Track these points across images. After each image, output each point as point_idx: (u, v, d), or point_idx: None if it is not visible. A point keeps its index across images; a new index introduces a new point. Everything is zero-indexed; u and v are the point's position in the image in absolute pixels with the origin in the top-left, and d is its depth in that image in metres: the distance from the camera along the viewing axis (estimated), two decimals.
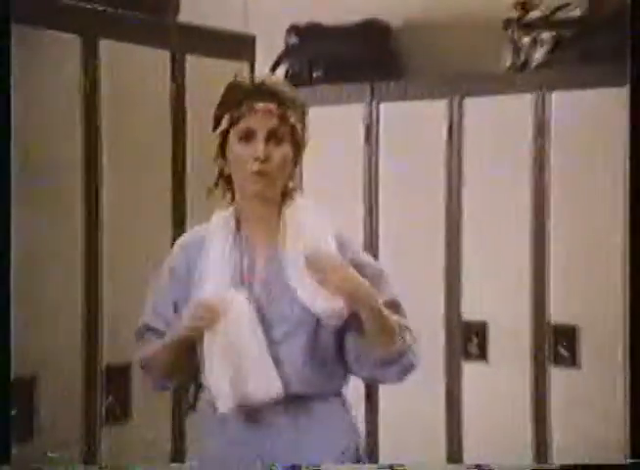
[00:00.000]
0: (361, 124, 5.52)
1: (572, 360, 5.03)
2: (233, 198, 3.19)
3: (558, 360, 5.06)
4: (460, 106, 5.31)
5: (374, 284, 3.10)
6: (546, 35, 5.19)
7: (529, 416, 5.20)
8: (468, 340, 5.34)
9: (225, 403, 3.09)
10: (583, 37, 5.12)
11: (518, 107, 5.12)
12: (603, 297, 4.98)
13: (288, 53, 5.76)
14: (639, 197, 2.95)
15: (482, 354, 5.29)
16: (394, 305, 3.14)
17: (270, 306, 3.12)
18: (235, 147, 3.07)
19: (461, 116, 5.31)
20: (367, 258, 3.25)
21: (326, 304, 2.98)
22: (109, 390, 3.91)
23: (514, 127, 5.17)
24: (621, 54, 4.86)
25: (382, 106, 5.49)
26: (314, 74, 5.70)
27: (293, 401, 3.10)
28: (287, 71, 5.75)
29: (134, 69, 4.12)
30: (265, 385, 3.09)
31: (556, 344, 5.06)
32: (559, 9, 5.18)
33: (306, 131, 3.18)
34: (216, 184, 3.19)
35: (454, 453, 5.48)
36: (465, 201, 5.31)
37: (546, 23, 5.21)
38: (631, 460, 2.90)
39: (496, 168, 5.26)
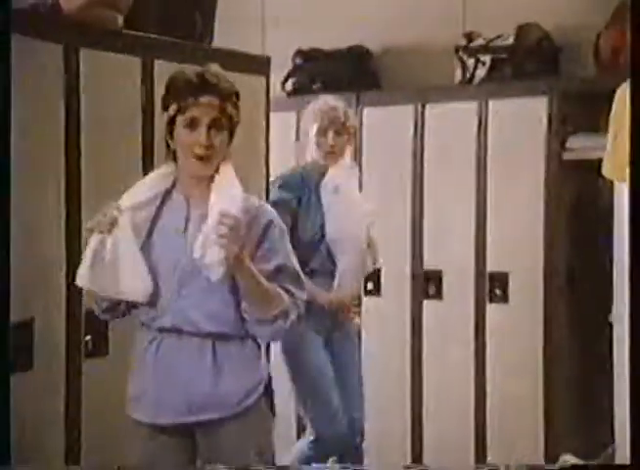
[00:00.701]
0: None
1: (504, 298, 5.23)
2: (176, 163, 3.08)
3: (493, 299, 5.25)
4: (422, 110, 5.39)
5: (270, 247, 3.03)
6: (486, 58, 5.27)
7: (472, 338, 5.32)
8: (427, 284, 5.47)
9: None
10: (513, 60, 5.21)
11: (465, 111, 5.24)
12: (526, 253, 5.17)
13: (294, 70, 5.79)
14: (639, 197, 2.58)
15: (439, 295, 5.44)
16: (283, 271, 3.03)
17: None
18: (181, 132, 2.99)
19: (423, 117, 5.39)
20: (273, 224, 3.09)
21: (208, 259, 2.88)
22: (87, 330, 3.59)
23: (462, 126, 5.29)
24: (542, 72, 5.11)
25: (365, 110, 5.53)
26: (314, 86, 5.70)
27: (207, 338, 3.01)
28: (293, 84, 5.77)
29: None
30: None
31: (492, 286, 5.26)
32: (495, 39, 5.27)
33: (239, 114, 3.07)
34: (166, 156, 3.10)
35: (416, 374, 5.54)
36: (426, 181, 5.39)
37: (486, 48, 5.28)
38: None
39: (449, 156, 5.36)
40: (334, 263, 4.58)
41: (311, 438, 4.61)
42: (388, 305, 5.65)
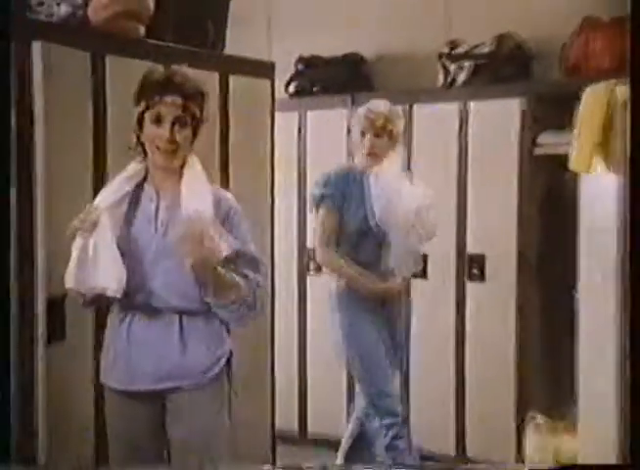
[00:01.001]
0: (344, 122, 5.44)
1: (482, 277, 5.28)
2: (145, 156, 3.06)
3: (472, 278, 5.31)
4: (410, 110, 5.37)
5: (230, 233, 2.95)
6: (467, 64, 5.28)
7: (453, 312, 5.39)
8: None
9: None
10: (491, 65, 5.22)
11: (448, 111, 5.26)
12: (500, 238, 5.23)
13: (296, 75, 5.78)
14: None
15: (424, 274, 5.41)
16: (240, 256, 2.98)
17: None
18: (148, 127, 2.96)
19: (411, 116, 5.37)
20: (233, 210, 3.05)
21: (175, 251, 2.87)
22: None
23: (446, 124, 5.30)
24: (516, 76, 5.15)
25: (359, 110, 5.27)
26: (314, 89, 5.73)
27: (175, 313, 3.00)
28: (296, 87, 5.76)
29: None
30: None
31: (470, 267, 5.31)
32: (475, 47, 5.27)
33: (206, 112, 3.05)
34: (136, 146, 3.06)
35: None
36: (414, 172, 5.12)
37: (467, 55, 5.29)
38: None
39: (434, 150, 5.37)
40: (382, 252, 4.54)
41: (364, 411, 4.58)
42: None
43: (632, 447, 2.34)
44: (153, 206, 3.07)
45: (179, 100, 2.95)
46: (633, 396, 2.38)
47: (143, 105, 2.97)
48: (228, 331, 3.13)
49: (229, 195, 3.14)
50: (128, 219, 3.06)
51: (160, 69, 3.07)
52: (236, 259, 2.97)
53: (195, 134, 3.02)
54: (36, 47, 3.30)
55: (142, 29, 3.83)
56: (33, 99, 3.31)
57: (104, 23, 3.66)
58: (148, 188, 3.09)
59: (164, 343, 3.03)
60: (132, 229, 3.06)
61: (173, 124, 2.95)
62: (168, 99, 2.94)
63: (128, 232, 3.05)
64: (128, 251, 3.03)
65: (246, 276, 2.97)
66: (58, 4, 3.51)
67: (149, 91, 2.97)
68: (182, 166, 3.04)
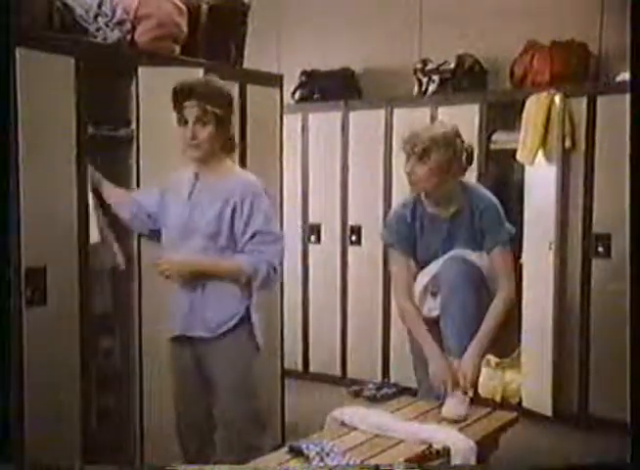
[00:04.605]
0: (339, 123, 5.54)
1: None
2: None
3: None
4: (391, 114, 5.34)
5: (261, 214, 2.89)
6: (435, 77, 5.25)
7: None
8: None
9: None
10: (454, 79, 5.20)
11: (421, 115, 5.15)
12: None
13: (300, 85, 5.73)
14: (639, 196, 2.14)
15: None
16: (266, 233, 2.90)
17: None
18: (178, 129, 2.92)
19: (392, 119, 5.34)
20: (260, 195, 2.94)
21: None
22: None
23: (419, 124, 5.27)
24: (474, 88, 5.09)
25: (350, 113, 5.50)
26: (314, 96, 5.69)
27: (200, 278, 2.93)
28: (300, 94, 5.71)
29: None
30: None
31: None
32: (442, 64, 5.24)
33: (225, 111, 2.93)
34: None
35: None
36: (394, 165, 5.23)
37: (435, 71, 5.26)
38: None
39: None
40: None
41: None
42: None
43: (632, 447, 2.09)
44: (188, 189, 3.03)
45: (195, 103, 2.87)
46: (633, 395, 2.14)
47: (175, 111, 2.94)
48: (248, 293, 2.98)
49: (257, 182, 3.00)
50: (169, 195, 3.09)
51: (186, 80, 2.99)
52: (259, 236, 2.89)
53: (219, 131, 2.93)
54: None
55: (177, 49, 3.80)
56: None
57: (148, 45, 3.64)
58: (189, 174, 3.06)
59: (191, 299, 2.98)
60: (169, 203, 3.07)
61: (195, 124, 2.89)
62: (187, 103, 2.89)
63: (167, 204, 3.07)
64: (164, 220, 3.06)
65: (261, 252, 2.88)
66: (112, 30, 3.48)
67: (175, 99, 2.92)
68: (213, 159, 2.98)
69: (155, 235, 3.14)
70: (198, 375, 3.03)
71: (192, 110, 2.88)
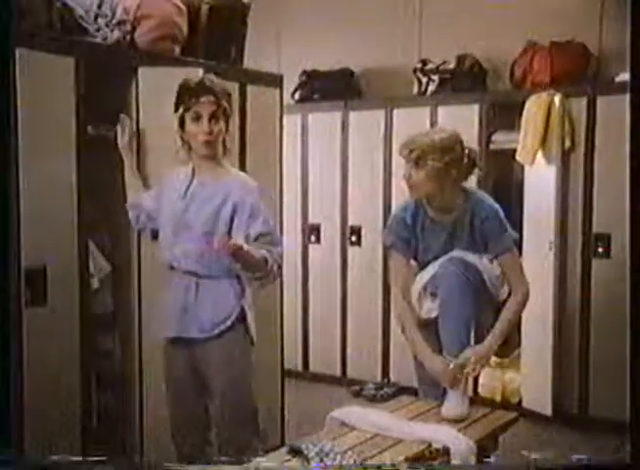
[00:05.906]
0: (339, 123, 5.53)
1: None
2: (190, 150, 2.97)
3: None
4: (391, 113, 5.33)
5: (262, 217, 2.87)
6: (435, 77, 5.23)
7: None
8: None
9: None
10: (454, 79, 5.18)
11: (421, 115, 5.15)
12: None
13: (300, 85, 5.72)
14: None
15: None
16: (266, 234, 2.87)
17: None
18: (190, 126, 2.90)
19: (391, 118, 5.33)
20: (261, 199, 2.93)
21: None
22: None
23: (419, 125, 4.90)
24: (474, 88, 5.07)
25: (350, 113, 5.49)
26: (314, 96, 5.68)
27: (192, 276, 2.92)
28: (300, 95, 5.70)
29: None
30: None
31: None
32: (442, 64, 5.22)
33: (231, 108, 2.96)
34: (182, 146, 2.97)
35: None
36: (394, 164, 5.19)
37: (435, 71, 5.24)
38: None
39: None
40: None
41: None
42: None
43: (632, 447, 2.09)
44: (185, 185, 3.02)
45: (212, 98, 2.89)
46: (633, 395, 2.11)
47: (182, 109, 2.92)
48: (242, 291, 2.97)
49: (255, 184, 2.99)
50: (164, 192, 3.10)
51: (192, 77, 3.00)
52: (262, 238, 2.87)
53: (227, 127, 2.96)
54: None
55: (178, 49, 3.79)
56: None
57: (148, 46, 3.64)
58: (186, 171, 3.06)
59: (184, 300, 2.96)
60: (163, 199, 3.09)
61: (210, 119, 2.90)
62: (203, 99, 2.89)
63: (161, 200, 3.10)
64: (159, 214, 3.09)
65: (269, 251, 2.85)
66: (112, 30, 3.47)
67: (186, 96, 2.91)
68: (219, 157, 2.99)
69: (157, 235, 3.16)
70: (193, 376, 3.01)
71: (207, 105, 2.89)
